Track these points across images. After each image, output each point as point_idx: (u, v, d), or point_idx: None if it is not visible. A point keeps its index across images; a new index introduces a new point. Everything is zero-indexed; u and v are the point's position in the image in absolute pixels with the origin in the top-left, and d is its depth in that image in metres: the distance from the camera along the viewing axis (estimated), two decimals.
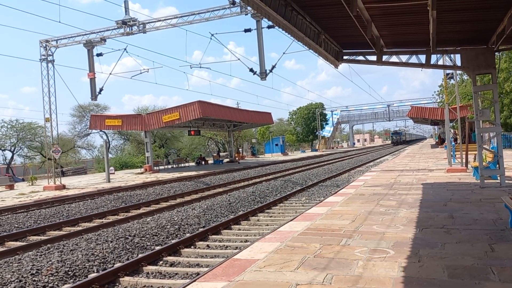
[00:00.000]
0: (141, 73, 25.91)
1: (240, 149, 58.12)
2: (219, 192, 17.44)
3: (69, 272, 7.08)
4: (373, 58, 12.28)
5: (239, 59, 22.90)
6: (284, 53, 24.28)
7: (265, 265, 5.20)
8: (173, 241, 8.98)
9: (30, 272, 6.97)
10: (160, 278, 6.93)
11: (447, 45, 12.05)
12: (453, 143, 22.42)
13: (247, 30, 21.49)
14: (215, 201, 14.22)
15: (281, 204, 14.06)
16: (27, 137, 47.24)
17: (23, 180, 37.68)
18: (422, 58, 12.09)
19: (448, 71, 20.01)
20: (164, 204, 15.40)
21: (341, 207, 9.21)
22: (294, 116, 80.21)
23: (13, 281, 6.61)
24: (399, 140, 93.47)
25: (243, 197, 15.18)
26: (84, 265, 7.46)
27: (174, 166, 40.72)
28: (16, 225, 12.32)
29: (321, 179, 20.87)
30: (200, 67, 24.76)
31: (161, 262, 7.79)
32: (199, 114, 30.87)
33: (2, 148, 46.92)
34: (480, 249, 5.31)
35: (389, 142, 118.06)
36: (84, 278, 6.86)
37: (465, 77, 37.61)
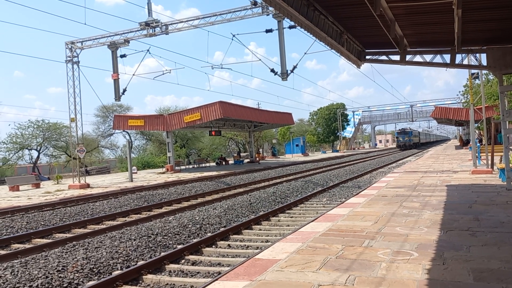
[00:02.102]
0: (163, 73, 26.24)
1: (261, 150, 58.19)
2: (240, 192, 17.50)
3: (94, 269, 7.23)
4: (396, 57, 12.15)
5: (260, 59, 22.96)
6: (305, 53, 24.30)
7: (286, 265, 5.20)
8: (195, 240, 9.07)
9: (56, 268, 7.14)
10: (182, 277, 7.00)
11: (472, 44, 11.82)
12: (478, 144, 21.95)
13: (269, 31, 21.51)
14: (236, 201, 14.28)
15: (302, 204, 14.02)
16: (53, 137, 48.30)
17: (48, 178, 38.58)
18: (447, 57, 11.90)
19: (473, 71, 19.59)
20: (185, 204, 15.55)
21: (363, 208, 9.12)
22: (315, 117, 79.86)
23: (40, 277, 6.78)
24: (408, 143, 69.29)
25: (263, 197, 15.20)
26: (108, 262, 7.60)
27: (195, 166, 41.05)
28: (42, 223, 12.63)
29: (342, 180, 20.72)
30: (221, 68, 24.91)
31: (183, 260, 7.88)
32: (220, 114, 31.04)
33: (29, 148, 48.10)
34: (507, 252, 5.19)
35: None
36: (109, 275, 6.98)
37: (491, 76, 36.74)
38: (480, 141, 28.92)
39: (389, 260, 5.13)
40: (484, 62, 11.84)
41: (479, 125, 25.35)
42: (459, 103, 58.60)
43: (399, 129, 75.43)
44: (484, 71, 19.46)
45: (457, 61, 11.86)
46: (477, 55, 12.66)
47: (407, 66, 12.45)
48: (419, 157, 35.94)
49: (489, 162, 16.80)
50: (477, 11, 8.99)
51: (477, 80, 23.48)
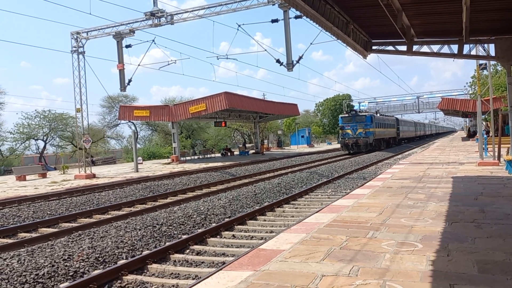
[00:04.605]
0: (168, 64, 26.16)
1: (266, 141, 58.17)
2: (245, 183, 17.51)
3: (99, 258, 7.28)
4: (403, 48, 12.04)
5: (266, 50, 22.85)
6: (311, 43, 24.15)
7: (290, 255, 5.20)
8: (200, 230, 9.10)
9: (62, 257, 7.20)
10: (187, 266, 7.04)
11: (480, 35, 11.68)
12: (485, 136, 21.80)
13: (274, 21, 21.36)
14: (241, 192, 14.29)
15: (307, 195, 14.02)
16: (59, 127, 48.54)
17: (55, 168, 38.83)
18: (454, 48, 11.79)
19: (481, 62, 19.41)
20: (190, 194, 15.60)
21: (368, 200, 9.11)
22: (320, 108, 79.59)
23: (46, 265, 6.84)
24: (363, 140, 36.88)
25: (268, 188, 15.20)
26: (114, 251, 7.66)
27: (200, 156, 41.13)
28: (48, 212, 12.72)
29: (347, 172, 20.69)
30: (227, 58, 24.84)
31: (187, 250, 7.91)
32: (225, 105, 30.99)
33: (35, 138, 48.41)
34: None
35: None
36: (114, 265, 7.03)
37: (499, 67, 36.38)
38: (487, 132, 28.71)
39: (393, 252, 5.12)
40: (492, 53, 11.73)
41: (487, 116, 25.12)
42: (466, 94, 58.12)
43: (347, 112, 42.55)
44: (492, 62, 19.28)
45: (464, 52, 11.75)
46: (485, 45, 12.51)
47: (414, 56, 12.37)
48: (425, 148, 35.77)
49: (496, 154, 16.69)
50: (486, 1, 8.87)
51: (485, 71, 23.24)
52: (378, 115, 44.59)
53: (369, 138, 36.95)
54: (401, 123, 54.75)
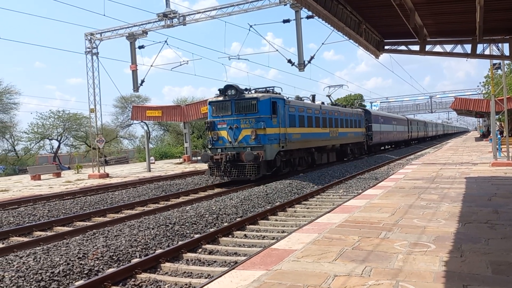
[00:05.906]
0: (181, 64, 26.36)
1: None
2: (256, 183, 17.52)
3: (114, 257, 7.37)
4: (416, 47, 11.96)
5: (277, 50, 22.84)
6: (323, 43, 24.07)
7: (303, 255, 5.23)
8: (212, 230, 9.16)
9: (77, 255, 7.30)
10: (199, 265, 7.11)
11: (494, 34, 11.56)
12: (498, 136, 21.53)
13: (286, 21, 21.36)
14: (252, 192, 14.31)
15: (318, 196, 14.01)
16: (73, 127, 49.10)
17: (69, 168, 39.27)
18: (468, 47, 11.68)
19: (495, 61, 19.19)
20: (202, 194, 15.68)
21: (380, 200, 9.08)
22: None
23: (62, 263, 6.95)
24: (244, 157, 16.71)
25: (280, 188, 15.20)
26: (128, 250, 7.75)
27: None
28: (63, 211, 12.90)
29: (359, 172, 20.60)
30: (239, 59, 24.86)
31: (200, 249, 7.97)
32: None
33: (50, 138, 49.02)
34: None
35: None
36: (128, 263, 7.11)
37: None
38: (501, 133, 28.37)
39: (406, 252, 5.12)
40: (507, 52, 11.59)
41: (500, 116, 24.82)
42: (479, 94, 57.42)
43: (221, 90, 18.18)
44: (506, 61, 19.05)
45: (478, 51, 11.63)
46: (499, 44, 12.36)
47: (427, 56, 12.27)
48: (438, 149, 35.44)
49: (510, 154, 16.50)
50: (500, 0, 8.78)
51: (499, 70, 22.96)
52: (320, 103, 24.34)
53: (266, 148, 17.41)
54: (376, 119, 35.38)
